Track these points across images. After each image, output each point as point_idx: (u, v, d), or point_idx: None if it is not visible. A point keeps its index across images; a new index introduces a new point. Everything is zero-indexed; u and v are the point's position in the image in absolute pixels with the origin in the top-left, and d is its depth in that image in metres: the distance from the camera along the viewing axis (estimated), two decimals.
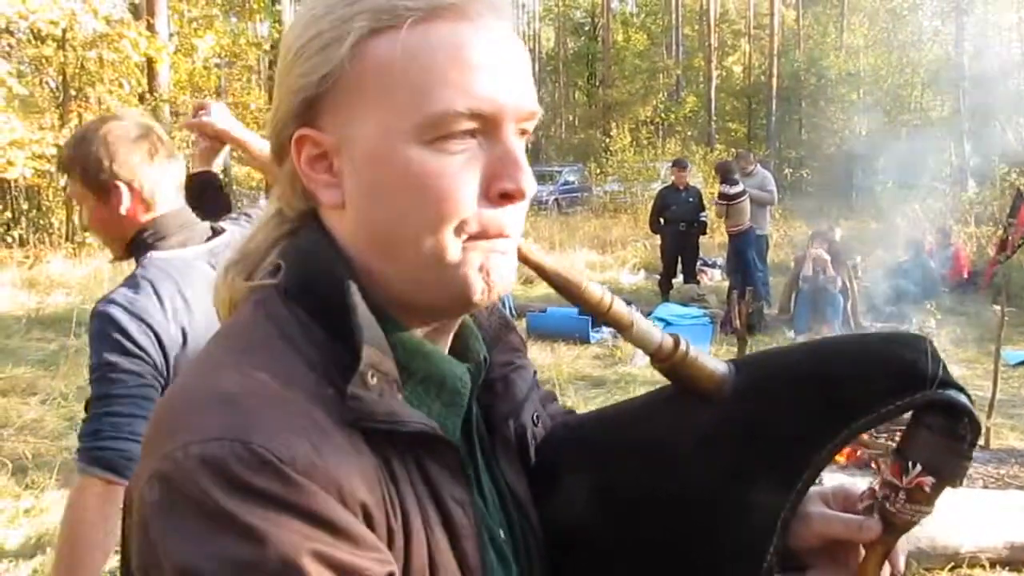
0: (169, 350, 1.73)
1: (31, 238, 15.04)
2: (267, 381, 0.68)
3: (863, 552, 0.82)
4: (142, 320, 1.72)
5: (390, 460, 0.71)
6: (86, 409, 1.73)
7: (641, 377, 7.14)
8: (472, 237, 0.74)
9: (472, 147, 0.73)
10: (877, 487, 0.81)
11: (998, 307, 6.08)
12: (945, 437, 0.76)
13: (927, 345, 0.78)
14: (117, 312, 1.71)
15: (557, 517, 0.88)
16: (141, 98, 15.19)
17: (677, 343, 0.81)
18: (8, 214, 15.90)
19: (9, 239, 14.95)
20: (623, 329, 0.82)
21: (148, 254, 1.84)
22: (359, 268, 0.75)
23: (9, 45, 14.65)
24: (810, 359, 0.85)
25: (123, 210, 1.84)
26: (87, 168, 1.82)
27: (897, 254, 11.55)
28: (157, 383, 1.71)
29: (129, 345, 1.69)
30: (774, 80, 30.72)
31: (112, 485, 1.65)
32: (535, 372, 0.96)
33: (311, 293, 0.75)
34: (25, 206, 16.18)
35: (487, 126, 0.73)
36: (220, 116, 2.14)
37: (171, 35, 16.33)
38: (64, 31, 13.54)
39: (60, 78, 15.55)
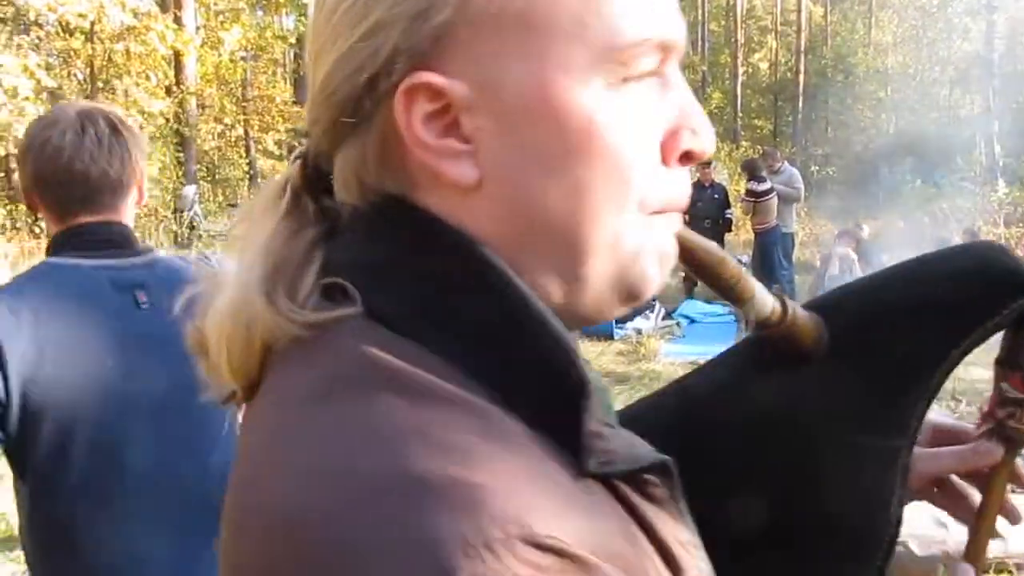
0: (10, 366, 1.49)
1: None
2: (465, 441, 0.46)
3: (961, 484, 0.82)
4: None
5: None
6: None
7: (665, 374, 7.09)
8: (652, 213, 0.56)
9: (648, 91, 0.54)
10: (995, 409, 0.78)
11: None
12: None
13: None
14: None
15: None
16: (168, 91, 15.32)
17: (784, 305, 0.75)
18: None
19: (37, 229, 15.10)
20: (744, 301, 0.71)
21: (46, 260, 1.66)
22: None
23: (38, 37, 14.79)
24: (906, 286, 0.78)
25: (41, 216, 1.70)
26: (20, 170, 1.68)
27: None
28: None
29: None
30: (801, 77, 30.43)
31: None
32: None
33: (441, 311, 0.52)
34: None
35: (663, 62, 0.55)
36: None
37: (198, 28, 16.45)
38: (92, 23, 13.66)
39: (88, 70, 15.69)
